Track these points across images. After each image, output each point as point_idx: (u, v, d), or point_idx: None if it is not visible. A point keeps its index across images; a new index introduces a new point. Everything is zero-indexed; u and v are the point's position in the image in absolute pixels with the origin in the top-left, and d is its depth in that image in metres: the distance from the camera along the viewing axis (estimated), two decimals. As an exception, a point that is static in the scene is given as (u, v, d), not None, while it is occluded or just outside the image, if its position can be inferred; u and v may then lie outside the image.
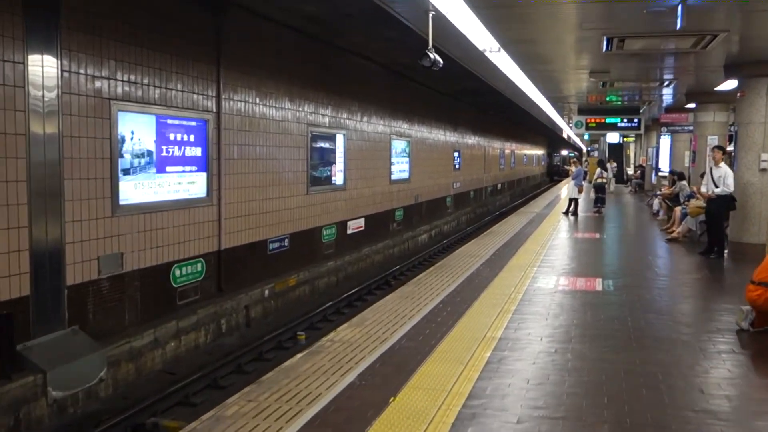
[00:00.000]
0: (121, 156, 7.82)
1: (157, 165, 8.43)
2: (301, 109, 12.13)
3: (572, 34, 8.16)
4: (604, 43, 8.20)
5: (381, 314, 6.40)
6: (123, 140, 7.83)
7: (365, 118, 15.33)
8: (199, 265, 9.31)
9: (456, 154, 24.46)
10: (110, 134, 7.60)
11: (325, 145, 13.38)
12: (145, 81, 8.14)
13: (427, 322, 6.13)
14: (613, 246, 11.94)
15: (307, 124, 12.35)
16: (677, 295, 7.75)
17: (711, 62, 10.44)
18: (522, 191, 42.48)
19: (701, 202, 12.11)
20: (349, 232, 14.42)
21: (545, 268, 9.16)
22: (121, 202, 7.80)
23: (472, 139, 27.43)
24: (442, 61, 6.80)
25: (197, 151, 9.24)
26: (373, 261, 15.47)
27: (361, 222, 15.14)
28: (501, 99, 19.13)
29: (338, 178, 13.90)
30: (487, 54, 8.79)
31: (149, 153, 8.30)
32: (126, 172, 7.91)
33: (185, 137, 8.97)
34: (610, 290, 7.70)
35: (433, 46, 6.63)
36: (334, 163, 13.77)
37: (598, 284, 8.00)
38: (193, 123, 9.13)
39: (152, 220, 8.36)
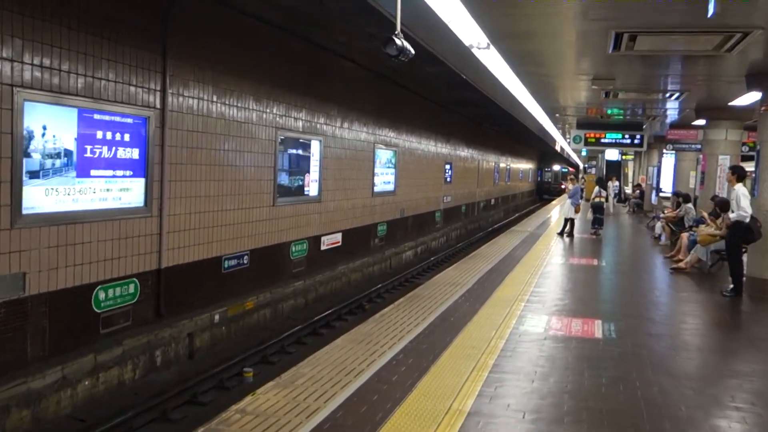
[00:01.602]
0: (28, 155, 6.47)
1: (78, 168, 7.08)
2: (269, 110, 10.80)
3: (574, 28, 6.84)
4: (612, 40, 6.88)
5: (321, 368, 4.99)
6: (31, 136, 6.49)
7: (346, 125, 14.00)
8: (131, 286, 7.97)
9: (447, 166, 23.18)
10: (12, 128, 6.27)
11: (298, 151, 12.07)
12: (64, 67, 6.81)
13: (378, 381, 4.75)
14: (613, 276, 10.56)
15: (275, 128, 11.02)
16: (693, 348, 6.33)
17: (729, 71, 9.17)
18: (516, 207, 41.11)
19: (712, 229, 10.85)
20: (323, 248, 13.08)
21: (535, 303, 7.79)
22: (24, 211, 6.46)
23: (465, 152, 26.16)
24: (413, 51, 5.48)
25: (133, 153, 7.91)
26: (349, 280, 14.11)
27: (338, 237, 13.81)
28: (497, 111, 17.86)
29: (312, 189, 12.57)
30: (474, 51, 7.47)
31: (68, 153, 6.96)
32: (34, 174, 6.56)
33: (118, 136, 7.63)
34: (611, 338, 6.31)
35: (402, 32, 5.31)
36: (308, 172, 12.45)
37: (597, 328, 6.63)
38: (129, 120, 7.80)
39: (69, 234, 7.01)
